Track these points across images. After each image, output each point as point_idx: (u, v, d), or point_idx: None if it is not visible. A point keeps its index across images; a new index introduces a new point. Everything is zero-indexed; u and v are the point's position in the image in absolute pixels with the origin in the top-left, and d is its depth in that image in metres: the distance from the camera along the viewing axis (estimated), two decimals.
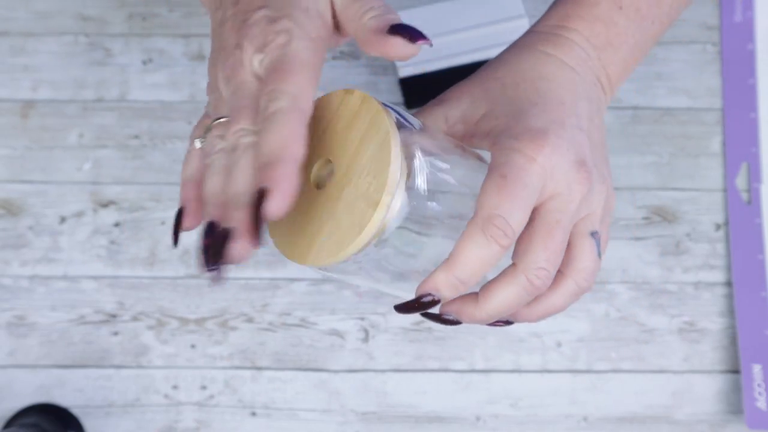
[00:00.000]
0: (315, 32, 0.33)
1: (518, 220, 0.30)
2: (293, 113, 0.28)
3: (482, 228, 0.30)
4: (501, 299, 0.32)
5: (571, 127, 0.32)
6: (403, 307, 0.32)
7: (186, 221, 0.32)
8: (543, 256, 0.31)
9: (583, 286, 0.34)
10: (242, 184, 0.29)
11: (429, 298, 0.31)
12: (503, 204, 0.30)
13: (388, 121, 0.30)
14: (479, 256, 0.30)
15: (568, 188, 0.32)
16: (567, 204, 0.32)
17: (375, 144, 0.30)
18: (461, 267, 0.30)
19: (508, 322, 0.35)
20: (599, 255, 0.34)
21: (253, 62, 0.30)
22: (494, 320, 0.33)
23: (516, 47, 0.36)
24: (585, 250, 0.33)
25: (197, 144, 0.32)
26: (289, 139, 0.28)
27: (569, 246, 0.33)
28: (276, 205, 0.27)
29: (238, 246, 0.28)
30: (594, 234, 0.34)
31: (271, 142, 0.28)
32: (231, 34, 0.32)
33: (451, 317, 0.33)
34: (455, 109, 0.35)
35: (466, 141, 0.35)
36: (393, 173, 0.29)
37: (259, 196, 0.27)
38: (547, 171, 0.31)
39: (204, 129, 0.32)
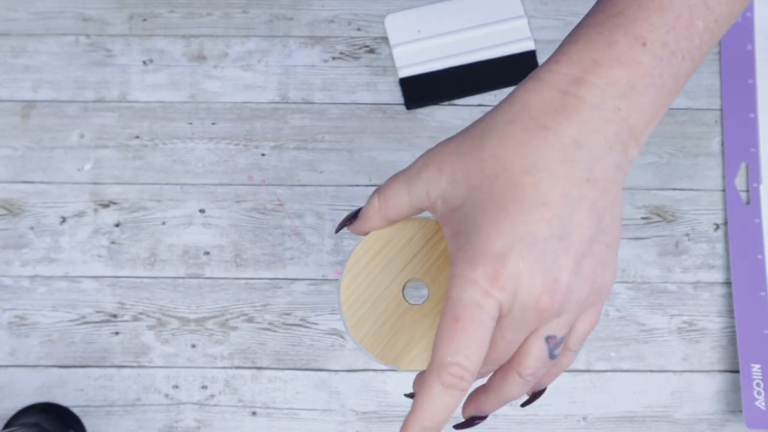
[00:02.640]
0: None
1: (476, 360, 0.30)
2: None
3: (438, 378, 0.29)
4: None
5: (547, 240, 0.29)
6: None
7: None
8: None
9: (529, 381, 0.32)
10: None
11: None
12: (459, 350, 0.29)
13: None
14: (442, 405, 0.30)
15: (529, 308, 0.29)
16: (520, 323, 0.30)
17: None
18: (428, 417, 0.30)
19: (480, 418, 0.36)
20: (551, 357, 0.32)
21: None
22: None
23: (512, 106, 0.30)
24: (532, 352, 0.32)
25: None
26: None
27: (523, 342, 0.32)
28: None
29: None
30: (549, 339, 0.31)
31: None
32: None
33: None
34: (435, 186, 0.31)
35: (440, 223, 0.33)
36: None
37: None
38: (505, 298, 0.29)
39: None
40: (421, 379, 0.31)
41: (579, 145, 0.29)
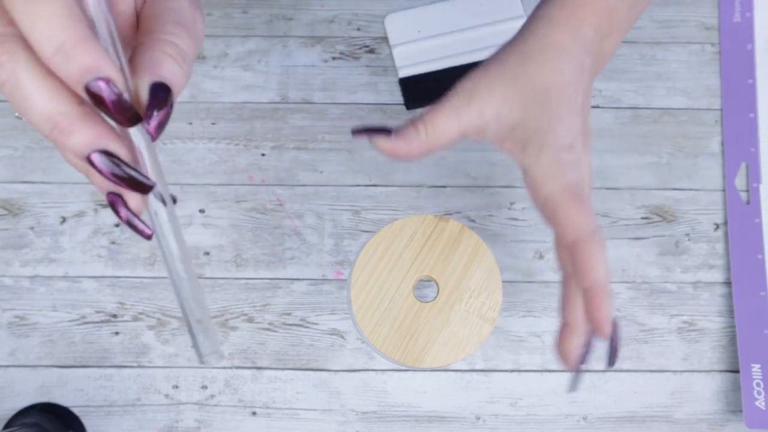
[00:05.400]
0: None
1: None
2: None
3: (593, 241, 0.36)
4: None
5: (586, 133, 0.38)
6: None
7: None
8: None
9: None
10: None
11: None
12: (589, 216, 0.36)
13: (491, 251, 0.38)
14: (604, 259, 0.36)
15: (587, 185, 0.38)
16: (585, 188, 0.37)
17: (483, 270, 0.38)
18: (603, 271, 0.36)
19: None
20: None
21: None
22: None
23: (539, 38, 0.38)
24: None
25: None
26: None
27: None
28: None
29: None
30: None
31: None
32: None
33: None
34: (489, 106, 0.37)
35: (496, 142, 0.38)
36: (501, 298, 0.38)
37: None
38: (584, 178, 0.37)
39: None
40: (574, 251, 0.36)
41: (583, 65, 0.38)
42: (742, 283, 0.59)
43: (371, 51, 0.62)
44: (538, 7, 0.40)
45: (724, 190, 0.60)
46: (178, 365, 0.58)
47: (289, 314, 0.58)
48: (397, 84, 0.61)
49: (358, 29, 0.62)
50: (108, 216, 0.59)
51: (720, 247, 0.60)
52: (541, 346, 0.58)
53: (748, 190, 0.60)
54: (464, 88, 0.38)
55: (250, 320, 0.58)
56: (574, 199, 0.36)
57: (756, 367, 0.57)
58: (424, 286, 0.39)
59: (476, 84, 0.38)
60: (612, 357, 0.39)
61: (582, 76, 0.38)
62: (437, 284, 0.38)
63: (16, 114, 0.31)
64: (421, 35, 0.61)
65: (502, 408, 0.58)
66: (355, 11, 0.63)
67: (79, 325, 0.58)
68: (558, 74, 0.37)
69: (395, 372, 0.58)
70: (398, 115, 0.61)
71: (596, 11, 0.38)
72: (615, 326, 0.37)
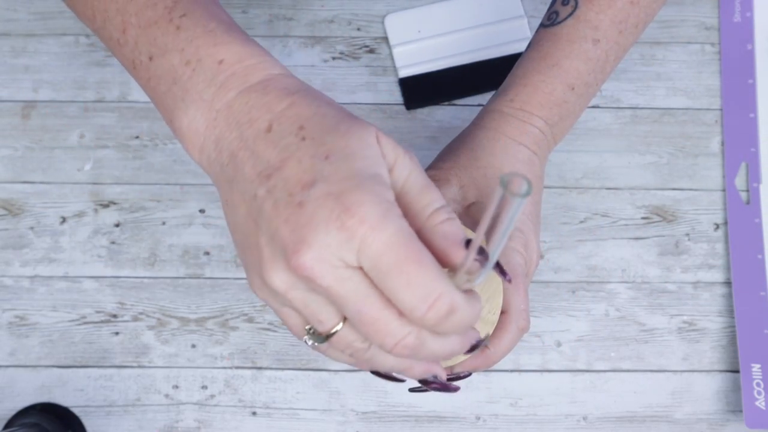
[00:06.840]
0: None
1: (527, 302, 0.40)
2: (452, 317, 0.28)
3: (516, 323, 0.38)
4: (507, 345, 0.39)
5: (536, 216, 0.41)
6: (438, 386, 0.40)
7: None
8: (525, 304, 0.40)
9: (522, 325, 0.40)
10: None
11: (464, 374, 0.39)
12: (522, 299, 0.38)
13: None
14: (511, 344, 0.39)
15: (534, 266, 0.41)
16: (530, 269, 0.41)
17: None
18: (500, 354, 0.38)
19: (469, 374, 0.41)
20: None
21: (345, 257, 0.26)
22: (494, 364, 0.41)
23: (490, 131, 0.42)
24: (525, 308, 0.41)
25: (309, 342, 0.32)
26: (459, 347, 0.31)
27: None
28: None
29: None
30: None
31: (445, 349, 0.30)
32: (280, 224, 0.26)
33: (464, 374, 0.39)
34: (447, 190, 0.41)
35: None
36: (501, 300, 0.39)
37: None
38: (528, 260, 0.41)
39: (316, 339, 0.31)
40: (501, 331, 0.39)
41: (537, 155, 0.42)
42: (742, 283, 0.59)
43: (371, 51, 0.62)
44: (489, 102, 0.43)
45: (724, 190, 0.60)
46: (178, 365, 0.58)
47: None
48: (397, 84, 0.61)
49: (358, 29, 0.62)
50: (108, 216, 0.59)
51: (720, 247, 0.60)
52: (541, 346, 0.58)
53: (748, 190, 0.60)
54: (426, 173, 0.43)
55: (250, 320, 0.58)
56: (514, 278, 0.39)
57: (756, 367, 0.57)
58: None
59: (434, 174, 0.41)
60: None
61: (532, 164, 0.41)
62: None
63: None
64: (421, 35, 0.61)
65: (502, 408, 0.58)
66: (355, 11, 0.63)
67: (79, 325, 0.58)
68: (508, 164, 0.40)
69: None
70: (398, 115, 0.61)
71: (544, 105, 0.41)
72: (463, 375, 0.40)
